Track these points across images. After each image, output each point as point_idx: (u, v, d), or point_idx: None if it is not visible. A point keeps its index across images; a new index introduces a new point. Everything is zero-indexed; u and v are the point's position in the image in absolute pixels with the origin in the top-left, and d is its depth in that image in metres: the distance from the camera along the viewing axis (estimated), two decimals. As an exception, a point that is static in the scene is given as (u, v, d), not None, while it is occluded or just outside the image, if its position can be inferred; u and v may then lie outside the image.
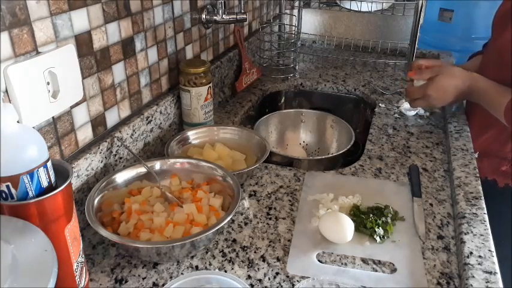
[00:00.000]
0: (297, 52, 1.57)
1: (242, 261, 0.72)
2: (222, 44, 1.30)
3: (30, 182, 0.51)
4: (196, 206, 0.75)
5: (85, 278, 0.62)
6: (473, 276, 0.65)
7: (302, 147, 1.30)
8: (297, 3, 1.79)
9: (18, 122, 0.52)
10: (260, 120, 1.21)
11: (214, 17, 1.14)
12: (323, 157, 1.21)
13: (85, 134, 0.78)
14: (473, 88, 1.01)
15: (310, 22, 1.90)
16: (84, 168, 0.77)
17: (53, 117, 0.70)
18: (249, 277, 0.69)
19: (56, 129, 0.71)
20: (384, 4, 1.61)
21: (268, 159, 0.96)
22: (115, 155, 0.85)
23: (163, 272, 0.70)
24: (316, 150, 1.29)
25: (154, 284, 0.68)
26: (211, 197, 0.79)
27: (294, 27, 1.77)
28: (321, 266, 0.71)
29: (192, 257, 0.73)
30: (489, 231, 0.75)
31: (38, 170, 0.52)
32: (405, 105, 1.24)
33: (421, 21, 1.50)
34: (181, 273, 0.69)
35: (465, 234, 0.74)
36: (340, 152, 1.09)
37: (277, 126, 1.29)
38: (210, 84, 1.03)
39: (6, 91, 0.60)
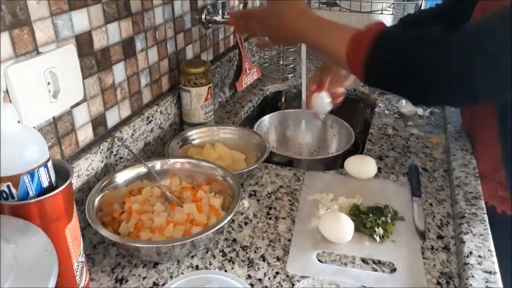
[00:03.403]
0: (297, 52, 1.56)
1: (242, 260, 0.72)
2: (222, 44, 1.30)
3: (31, 182, 0.52)
4: (196, 205, 0.76)
5: (85, 278, 0.63)
6: (473, 276, 0.66)
7: (302, 147, 1.30)
8: (297, 3, 1.79)
9: (18, 122, 0.52)
10: (260, 120, 1.21)
11: (215, 17, 1.14)
12: (323, 157, 1.21)
13: (85, 134, 0.78)
14: (309, 21, 0.79)
15: (310, 22, 1.90)
16: (84, 168, 0.77)
17: (53, 117, 0.70)
18: (249, 277, 0.69)
19: (57, 129, 0.71)
20: (383, 4, 1.60)
21: (268, 159, 0.96)
22: (115, 154, 0.85)
23: (163, 271, 0.70)
24: (316, 150, 1.29)
25: (154, 283, 0.68)
26: (211, 197, 0.79)
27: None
28: (320, 265, 0.71)
29: (192, 257, 0.73)
30: (489, 231, 0.75)
31: (38, 170, 0.52)
32: (405, 105, 1.24)
33: (421, 21, 1.50)
34: (182, 273, 0.70)
35: (465, 234, 0.74)
36: (340, 152, 1.09)
37: (277, 126, 1.28)
38: (210, 84, 1.03)
39: (7, 91, 0.60)
